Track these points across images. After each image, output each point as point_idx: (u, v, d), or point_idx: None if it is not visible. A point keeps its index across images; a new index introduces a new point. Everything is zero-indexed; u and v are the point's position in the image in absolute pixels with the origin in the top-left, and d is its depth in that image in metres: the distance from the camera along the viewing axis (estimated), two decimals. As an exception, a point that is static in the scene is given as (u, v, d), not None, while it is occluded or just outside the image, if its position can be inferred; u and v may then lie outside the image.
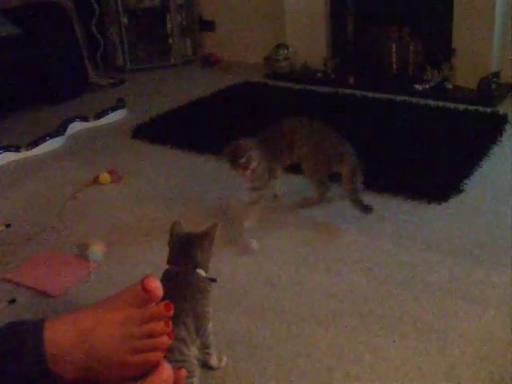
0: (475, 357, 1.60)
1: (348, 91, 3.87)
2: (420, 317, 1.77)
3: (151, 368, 0.88)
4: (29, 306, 1.94)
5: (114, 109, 3.70)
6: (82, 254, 2.18)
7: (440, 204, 2.41)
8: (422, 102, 3.59)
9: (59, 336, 0.86)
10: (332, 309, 1.83)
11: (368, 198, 2.42)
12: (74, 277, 2.07)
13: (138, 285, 0.88)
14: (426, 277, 1.96)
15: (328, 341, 1.70)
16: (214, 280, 1.58)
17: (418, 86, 3.77)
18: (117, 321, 0.87)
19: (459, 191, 2.48)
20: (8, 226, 2.44)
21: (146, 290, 0.87)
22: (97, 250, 2.16)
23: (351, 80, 4.01)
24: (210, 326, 1.56)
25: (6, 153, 3.13)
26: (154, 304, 0.88)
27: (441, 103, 3.54)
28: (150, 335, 0.88)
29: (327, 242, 2.19)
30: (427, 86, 3.76)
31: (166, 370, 0.87)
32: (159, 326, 0.88)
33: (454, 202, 2.42)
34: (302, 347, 1.68)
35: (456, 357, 1.60)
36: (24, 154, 3.18)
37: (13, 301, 1.96)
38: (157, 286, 0.88)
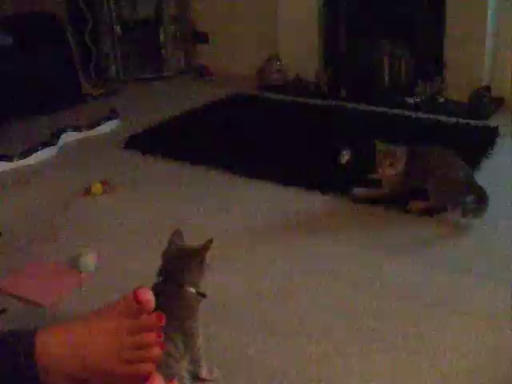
0: (467, 369, 1.60)
1: (340, 104, 3.89)
2: (411, 330, 1.77)
3: (143, 379, 0.88)
4: (20, 316, 1.93)
5: (106, 119, 3.69)
6: (74, 264, 2.17)
7: (432, 217, 2.42)
8: (414, 115, 3.61)
9: (51, 347, 0.86)
10: (323, 322, 1.83)
11: (360, 211, 2.44)
12: (65, 287, 2.06)
13: (130, 295, 0.88)
14: (417, 290, 1.97)
15: (319, 354, 1.70)
16: (203, 295, 1.57)
17: (409, 99, 3.79)
18: (109, 331, 0.87)
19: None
20: (-1, 235, 2.43)
21: (138, 301, 0.87)
22: (88, 260, 2.15)
23: (343, 92, 4.03)
24: (200, 340, 1.56)
25: (-2, 162, 3.12)
26: (145, 315, 0.88)
27: (432, 116, 3.57)
28: (142, 346, 0.88)
29: (318, 255, 2.20)
30: (419, 99, 3.78)
31: (158, 381, 0.87)
32: (151, 336, 0.88)
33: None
34: (293, 360, 1.68)
35: (448, 369, 1.61)
36: (16, 164, 3.16)
37: (3, 310, 1.95)
38: (149, 298, 0.88)
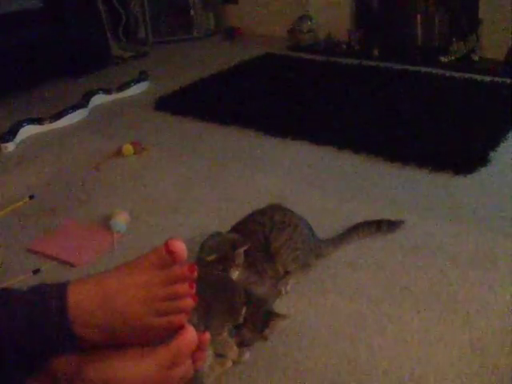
0: (501, 329, 1.58)
1: (372, 63, 3.82)
2: (445, 288, 1.75)
3: (175, 331, 0.87)
4: (53, 276, 1.94)
5: (136, 81, 3.69)
6: (106, 225, 2.18)
7: (466, 176, 2.37)
8: (448, 74, 3.53)
9: (83, 299, 0.86)
10: (356, 280, 1.82)
11: (393, 171, 2.41)
12: (97, 247, 2.08)
13: (161, 247, 0.87)
14: (452, 248, 1.93)
15: (351, 312, 1.68)
16: None
17: (443, 58, 3.70)
18: (140, 283, 0.87)
19: (485, 162, 2.44)
20: (32, 197, 2.45)
21: (169, 251, 0.87)
22: (120, 220, 2.16)
23: (375, 52, 3.95)
24: None
25: (30, 126, 3.13)
26: (178, 266, 0.88)
27: (467, 75, 3.47)
28: (174, 297, 0.87)
29: (350, 214, 2.17)
30: (453, 58, 3.69)
31: (190, 333, 0.87)
32: (183, 287, 0.88)
33: (480, 174, 2.38)
34: (325, 318, 1.67)
35: (481, 328, 1.58)
36: (47, 127, 3.18)
37: (37, 271, 1.97)
38: (181, 248, 0.87)
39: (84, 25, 4.00)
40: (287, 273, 1.81)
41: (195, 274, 0.88)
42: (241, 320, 1.47)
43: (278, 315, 1.56)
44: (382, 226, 2.03)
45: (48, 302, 0.85)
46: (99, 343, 0.87)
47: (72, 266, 1.99)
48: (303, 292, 1.78)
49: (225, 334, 1.46)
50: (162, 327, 0.87)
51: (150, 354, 0.86)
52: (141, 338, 0.88)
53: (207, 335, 0.90)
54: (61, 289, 0.87)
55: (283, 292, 1.76)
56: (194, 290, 0.88)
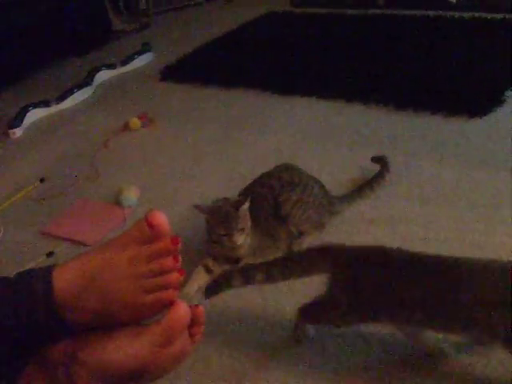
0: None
1: (378, 11, 3.70)
2: (467, 236, 1.69)
3: (166, 307, 0.84)
4: (67, 257, 1.91)
5: (140, 53, 3.62)
6: (117, 200, 2.15)
7: (481, 118, 2.30)
8: (457, 14, 3.41)
9: (68, 283, 0.82)
10: (373, 235, 1.77)
11: (407, 119, 2.33)
12: (109, 224, 2.05)
13: (143, 220, 0.83)
14: (471, 194, 1.87)
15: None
16: None
17: (451, -1, 3.58)
18: (125, 260, 0.83)
19: (501, 102, 2.36)
20: (42, 180, 2.43)
21: (150, 224, 0.82)
22: (130, 194, 2.13)
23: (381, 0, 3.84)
24: None
25: (36, 109, 3.09)
26: (160, 239, 0.83)
27: (477, 14, 3.36)
28: (159, 272, 0.83)
29: (364, 166, 2.11)
30: (461, -3, 3.57)
31: (182, 308, 0.83)
32: (167, 262, 0.83)
33: (496, 115, 2.30)
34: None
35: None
36: (54, 109, 3.13)
37: (51, 253, 1.96)
38: (162, 220, 0.83)
39: (83, 1, 3.92)
40: (301, 233, 1.76)
41: (179, 246, 0.83)
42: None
43: None
44: (386, 164, 1.99)
45: (33, 288, 0.81)
46: (91, 325, 0.84)
47: (85, 245, 1.97)
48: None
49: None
50: (151, 304, 0.83)
51: (143, 333, 0.83)
52: (132, 317, 0.84)
53: (201, 309, 0.86)
54: (46, 274, 0.83)
55: None
56: (179, 263, 0.84)
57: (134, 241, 0.83)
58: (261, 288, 1.57)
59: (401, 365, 1.32)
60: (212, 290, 1.40)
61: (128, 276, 0.82)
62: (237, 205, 1.63)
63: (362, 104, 2.55)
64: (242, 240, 1.63)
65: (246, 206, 1.63)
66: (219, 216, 1.62)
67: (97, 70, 3.44)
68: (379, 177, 1.95)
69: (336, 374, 1.34)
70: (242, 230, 1.63)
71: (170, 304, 0.83)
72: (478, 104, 2.36)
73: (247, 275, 1.36)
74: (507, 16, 3.24)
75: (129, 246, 0.83)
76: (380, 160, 2.01)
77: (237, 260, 1.70)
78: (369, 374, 1.32)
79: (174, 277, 0.84)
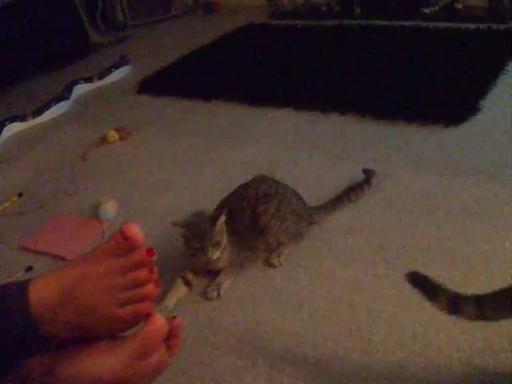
0: (502, 281, 1.53)
1: (354, 22, 3.74)
2: (443, 244, 1.71)
3: (142, 320, 0.84)
4: (45, 272, 1.91)
5: (117, 66, 3.62)
6: (95, 214, 2.14)
7: (457, 126, 2.33)
8: (432, 25, 3.45)
9: (45, 297, 0.82)
10: (350, 245, 1.78)
11: (383, 128, 2.36)
12: (88, 237, 2.04)
13: (117, 233, 0.83)
14: (448, 202, 1.89)
15: (348, 278, 1.65)
16: None
17: (426, 10, 3.62)
18: (101, 273, 0.83)
19: (476, 111, 2.39)
20: (20, 195, 2.41)
21: (125, 236, 0.82)
22: (109, 208, 2.12)
23: (357, 10, 3.87)
24: None
25: (13, 123, 3.06)
26: (135, 252, 0.83)
27: (451, 25, 3.41)
28: (135, 285, 0.83)
29: (342, 176, 2.12)
30: (436, 9, 3.62)
31: (158, 320, 0.83)
32: (142, 273, 0.83)
33: (472, 123, 2.34)
34: (322, 287, 1.63)
35: (482, 282, 1.54)
36: (31, 123, 3.11)
37: (30, 268, 1.94)
38: (135, 232, 0.82)
39: (59, 15, 3.91)
40: (280, 244, 1.77)
41: (154, 257, 0.83)
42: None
43: None
44: (371, 178, 1.99)
45: (9, 302, 0.81)
46: (68, 339, 0.83)
47: (64, 259, 1.95)
48: (298, 262, 1.74)
49: None
50: (127, 317, 0.83)
51: (120, 346, 0.82)
52: (109, 330, 0.84)
53: (178, 321, 0.86)
54: (22, 288, 0.83)
55: (276, 264, 1.72)
56: (155, 275, 0.84)
57: (111, 253, 0.83)
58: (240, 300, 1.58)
59: None
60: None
61: (103, 289, 0.82)
62: (213, 219, 1.63)
63: (339, 114, 2.57)
64: (218, 254, 1.63)
65: (222, 219, 1.64)
66: (195, 231, 1.62)
67: (74, 83, 3.43)
68: (359, 188, 1.96)
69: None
70: (218, 243, 1.63)
71: (146, 316, 0.83)
72: (454, 113, 2.39)
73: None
74: (480, 26, 3.29)
75: (105, 258, 0.83)
76: (368, 173, 2.02)
77: (216, 272, 1.70)
78: None
79: (150, 289, 0.84)
